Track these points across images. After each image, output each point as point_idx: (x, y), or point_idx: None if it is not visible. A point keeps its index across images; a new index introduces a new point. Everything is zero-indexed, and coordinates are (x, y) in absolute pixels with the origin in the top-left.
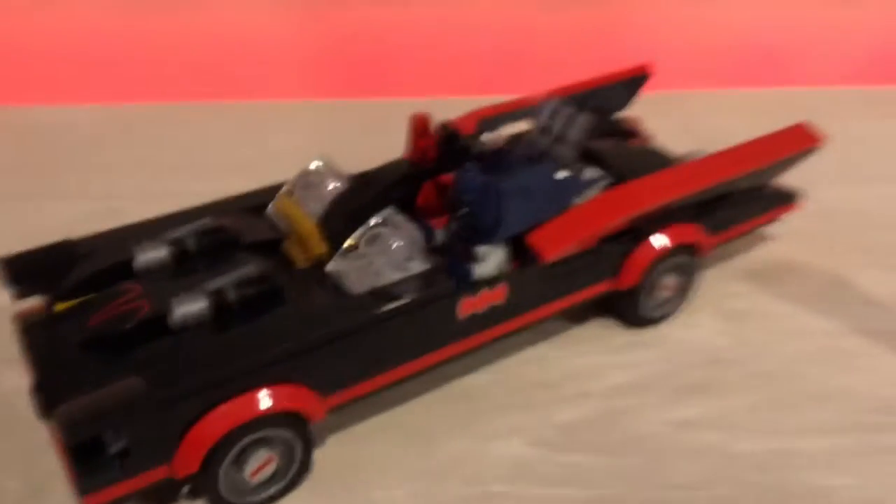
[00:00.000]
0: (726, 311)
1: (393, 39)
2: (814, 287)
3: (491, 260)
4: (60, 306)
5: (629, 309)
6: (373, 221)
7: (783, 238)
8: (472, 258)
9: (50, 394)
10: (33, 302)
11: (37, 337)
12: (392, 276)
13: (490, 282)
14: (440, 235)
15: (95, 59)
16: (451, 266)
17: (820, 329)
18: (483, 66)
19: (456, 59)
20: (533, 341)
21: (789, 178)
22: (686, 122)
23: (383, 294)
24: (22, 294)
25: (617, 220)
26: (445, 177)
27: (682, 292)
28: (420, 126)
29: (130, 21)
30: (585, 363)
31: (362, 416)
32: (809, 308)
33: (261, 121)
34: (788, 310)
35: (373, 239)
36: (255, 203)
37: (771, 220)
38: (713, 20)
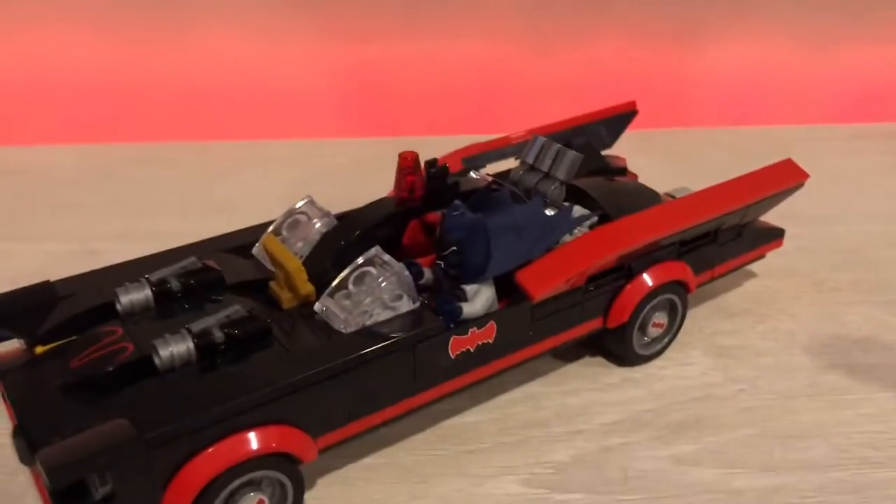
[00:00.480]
0: (716, 348)
1: (379, 79)
2: (801, 323)
3: (479, 298)
4: (41, 349)
5: (620, 346)
6: (360, 260)
7: (770, 275)
8: (461, 297)
9: (32, 437)
10: (12, 345)
11: (17, 380)
12: (380, 315)
13: (479, 321)
14: (428, 274)
15: (72, 98)
16: (439, 305)
17: (809, 364)
18: (470, 105)
19: (444, 99)
20: (524, 380)
21: (774, 216)
22: (671, 159)
23: (372, 333)
24: (0, 337)
25: (605, 257)
26: (432, 215)
27: (672, 330)
28: (408, 163)
29: (109, 61)
30: (577, 401)
31: (354, 457)
32: (798, 344)
33: (242, 160)
34: (777, 346)
35: (360, 278)
36: (240, 243)
37: (758, 257)
38: (697, 60)
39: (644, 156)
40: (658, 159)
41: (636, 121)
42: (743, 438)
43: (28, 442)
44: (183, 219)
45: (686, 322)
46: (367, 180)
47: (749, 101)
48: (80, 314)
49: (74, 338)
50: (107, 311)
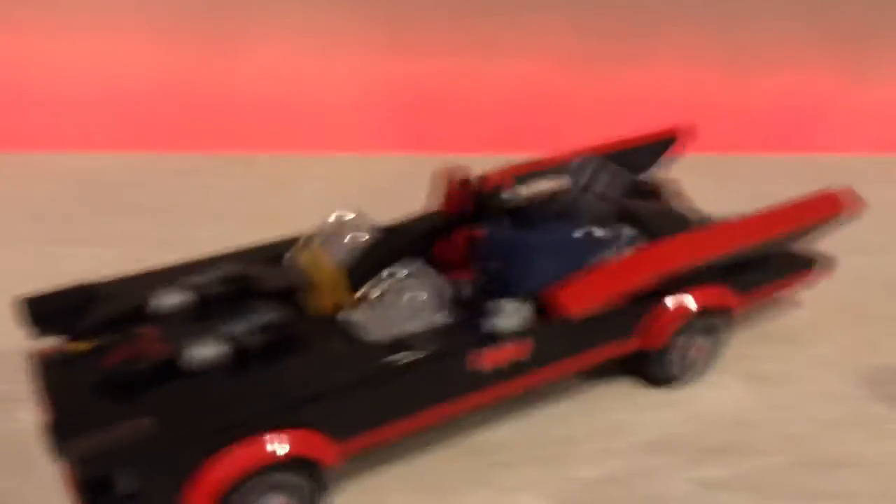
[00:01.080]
0: (754, 374)
1: (428, 95)
2: (844, 352)
3: (516, 314)
4: (78, 347)
5: (657, 369)
6: (398, 271)
7: (814, 303)
8: (497, 311)
9: (63, 432)
10: (50, 342)
11: (52, 376)
12: (413, 326)
13: (513, 335)
14: (465, 288)
15: (126, 108)
16: (474, 318)
17: (849, 394)
18: (517, 123)
19: (491, 116)
20: (556, 397)
21: (828, 245)
22: (723, 184)
23: (402, 343)
24: (39, 333)
25: (645, 278)
26: (476, 230)
27: (710, 354)
28: (453, 177)
29: (165, 73)
30: (609, 420)
31: (381, 467)
32: (839, 373)
33: (290, 173)
34: (818, 374)
35: (396, 288)
36: (278, 251)
37: (801, 285)
38: (751, 84)
39: (697, 180)
40: (712, 184)
41: (690, 144)
42: (778, 465)
43: (59, 436)
44: (229, 229)
45: (726, 347)
46: (413, 196)
47: (806, 127)
48: (117, 315)
49: (110, 337)
50: (144, 312)
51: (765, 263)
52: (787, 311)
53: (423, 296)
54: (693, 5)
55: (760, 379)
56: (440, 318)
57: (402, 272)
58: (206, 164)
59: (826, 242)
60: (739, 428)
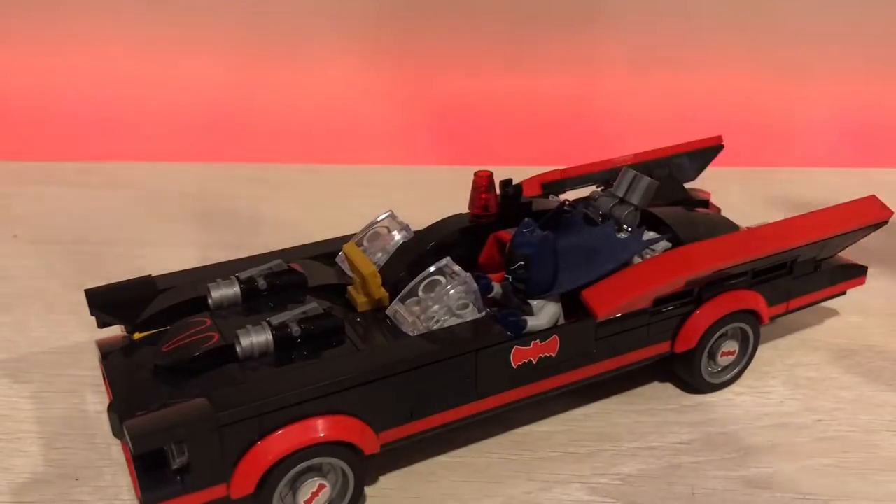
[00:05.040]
0: (797, 379)
1: (478, 111)
2: (890, 361)
3: (545, 313)
4: (138, 335)
5: (688, 373)
6: (431, 269)
7: (861, 312)
8: (527, 311)
9: (121, 412)
10: (115, 331)
11: (113, 362)
12: (447, 321)
13: (542, 333)
14: (497, 288)
15: (201, 121)
16: (504, 316)
17: (894, 401)
18: (564, 137)
19: (538, 132)
20: (598, 396)
21: (872, 256)
22: (762, 197)
23: (436, 337)
24: (105, 322)
25: (672, 281)
26: (506, 234)
27: (743, 359)
28: (483, 181)
29: (234, 90)
30: (650, 420)
31: (428, 455)
32: (884, 380)
33: (349, 183)
34: (861, 382)
35: (430, 286)
36: (324, 251)
37: (838, 293)
38: (791, 98)
39: (734, 192)
40: (749, 197)
41: (731, 157)
42: (818, 467)
43: (119, 416)
44: (290, 234)
45: (767, 352)
46: (454, 203)
47: (850, 140)
48: (175, 306)
49: (167, 326)
50: (199, 303)
51: (800, 270)
52: (832, 320)
53: (453, 290)
54: (738, 20)
55: (803, 384)
56: (470, 313)
57: (432, 268)
58: (273, 173)
59: (871, 254)
60: (780, 430)
